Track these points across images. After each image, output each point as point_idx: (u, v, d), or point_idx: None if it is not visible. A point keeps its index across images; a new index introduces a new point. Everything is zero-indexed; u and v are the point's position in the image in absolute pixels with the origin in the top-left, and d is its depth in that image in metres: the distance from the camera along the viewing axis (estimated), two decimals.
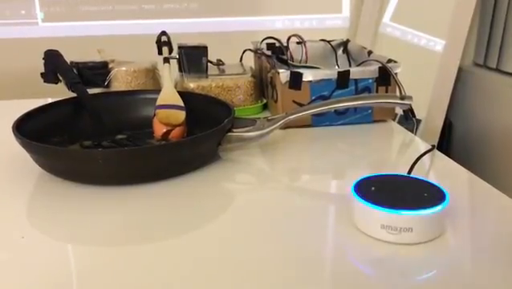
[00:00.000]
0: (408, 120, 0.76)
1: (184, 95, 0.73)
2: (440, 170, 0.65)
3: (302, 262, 0.44)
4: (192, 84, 0.84)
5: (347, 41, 0.97)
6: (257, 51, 0.92)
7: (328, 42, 0.97)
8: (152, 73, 0.91)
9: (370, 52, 0.87)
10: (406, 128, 0.79)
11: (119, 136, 0.71)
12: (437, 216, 0.46)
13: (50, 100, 0.76)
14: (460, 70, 1.23)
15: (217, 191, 0.60)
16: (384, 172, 0.53)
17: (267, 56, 0.86)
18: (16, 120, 0.63)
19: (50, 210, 0.54)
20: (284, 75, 0.76)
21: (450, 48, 1.21)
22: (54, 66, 0.80)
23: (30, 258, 0.45)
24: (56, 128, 0.68)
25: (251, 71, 0.91)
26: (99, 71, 0.88)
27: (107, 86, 0.89)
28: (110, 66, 0.90)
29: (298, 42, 0.95)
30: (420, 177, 0.52)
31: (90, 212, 0.54)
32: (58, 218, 0.53)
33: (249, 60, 0.97)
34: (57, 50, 0.81)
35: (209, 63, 0.89)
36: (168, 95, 0.73)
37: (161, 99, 0.72)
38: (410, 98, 0.70)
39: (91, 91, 0.78)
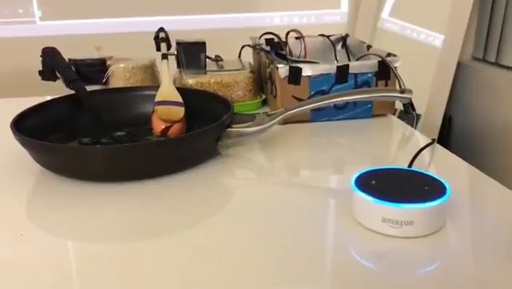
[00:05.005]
0: (408, 113, 0.76)
1: (183, 91, 0.73)
2: (441, 163, 0.65)
3: (303, 257, 0.44)
4: (190, 80, 0.83)
5: (346, 36, 0.97)
6: (255, 47, 0.92)
7: (327, 37, 0.97)
8: (151, 69, 0.91)
9: (369, 46, 0.87)
10: (406, 123, 0.79)
11: (118, 133, 0.70)
12: (438, 209, 0.46)
13: (48, 98, 0.76)
14: (459, 64, 1.22)
15: (217, 187, 0.60)
16: (384, 166, 0.53)
17: (266, 51, 0.86)
18: (14, 117, 0.63)
19: (49, 207, 0.54)
20: (283, 70, 0.76)
21: (449, 43, 1.21)
22: (51, 63, 0.79)
23: (28, 254, 0.45)
24: (55, 126, 0.68)
25: (250, 66, 0.91)
26: (97, 68, 0.88)
27: (106, 83, 0.88)
28: (108, 63, 0.89)
29: (296, 38, 0.95)
30: (421, 171, 0.52)
31: (89, 209, 0.53)
32: (57, 215, 0.52)
33: (248, 56, 0.97)
34: (54, 48, 0.81)
35: (207, 59, 0.89)
36: (167, 91, 0.73)
37: (160, 95, 0.72)
38: (410, 91, 0.70)
39: (90, 88, 0.77)
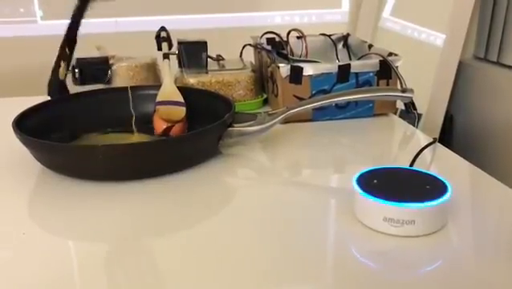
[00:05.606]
0: (409, 113, 0.75)
1: (185, 90, 0.73)
2: (442, 163, 0.65)
3: (304, 256, 0.44)
4: (192, 80, 0.83)
5: (348, 35, 0.97)
6: (257, 46, 0.92)
7: (328, 36, 0.97)
8: (153, 68, 0.91)
9: (370, 46, 0.87)
10: (407, 122, 0.79)
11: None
12: (440, 208, 0.46)
13: (49, 97, 0.76)
14: (460, 63, 1.22)
15: (219, 186, 0.60)
16: (385, 165, 0.53)
17: (267, 51, 0.86)
18: (16, 116, 0.63)
19: (51, 207, 0.54)
20: (284, 69, 0.76)
21: (450, 42, 1.20)
22: None
23: (30, 254, 0.45)
24: (56, 125, 0.68)
25: (251, 65, 0.91)
26: (100, 67, 0.88)
27: (109, 82, 0.88)
28: (111, 62, 0.89)
29: (298, 37, 0.95)
30: (422, 170, 0.52)
31: (90, 208, 0.54)
32: (59, 215, 0.53)
33: (249, 55, 0.97)
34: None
35: (208, 59, 0.89)
36: (169, 91, 0.73)
37: (161, 95, 0.72)
38: (411, 91, 0.70)
39: (93, 87, 0.78)
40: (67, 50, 0.76)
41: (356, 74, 0.77)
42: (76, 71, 0.85)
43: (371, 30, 1.41)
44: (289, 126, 0.76)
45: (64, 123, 0.70)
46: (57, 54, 0.77)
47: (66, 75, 0.77)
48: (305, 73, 0.76)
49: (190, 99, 0.71)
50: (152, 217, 0.52)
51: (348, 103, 0.78)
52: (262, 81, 0.89)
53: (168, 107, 0.70)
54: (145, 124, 0.71)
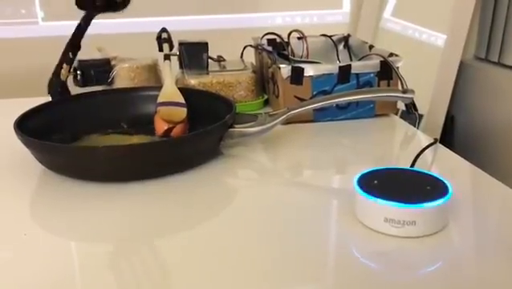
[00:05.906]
0: (410, 113, 0.75)
1: (185, 91, 0.73)
2: (443, 163, 0.65)
3: (305, 256, 0.44)
4: (193, 81, 0.83)
5: (348, 36, 0.97)
6: (257, 47, 0.92)
7: (329, 37, 0.97)
8: (154, 69, 0.91)
9: (371, 46, 0.87)
10: (408, 123, 0.79)
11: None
12: (441, 209, 0.46)
13: (50, 98, 0.76)
14: (461, 64, 1.22)
15: (220, 187, 0.60)
16: (386, 165, 0.53)
17: (268, 52, 0.86)
18: (17, 118, 0.63)
19: (52, 207, 0.54)
20: (285, 70, 0.76)
21: (451, 42, 1.20)
22: None
23: (32, 254, 0.45)
24: (57, 126, 0.68)
25: (252, 66, 0.91)
26: (102, 69, 0.88)
27: (111, 83, 0.89)
28: (112, 63, 0.89)
29: (298, 38, 0.95)
30: (423, 170, 0.52)
31: (91, 209, 0.54)
32: (60, 215, 0.53)
33: (250, 56, 0.97)
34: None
35: (209, 60, 0.89)
36: (170, 92, 0.73)
37: (163, 96, 0.72)
38: (412, 91, 0.70)
39: (95, 88, 0.78)
40: (70, 54, 0.77)
41: (357, 74, 0.77)
42: (78, 72, 0.86)
43: (372, 30, 1.41)
44: (290, 127, 0.76)
45: (65, 124, 0.70)
46: (59, 58, 0.77)
47: (67, 76, 0.77)
48: (306, 74, 0.76)
49: (191, 100, 0.71)
50: (153, 218, 0.52)
51: (349, 103, 0.78)
52: (263, 82, 0.90)
53: (170, 108, 0.70)
54: (146, 125, 0.71)
